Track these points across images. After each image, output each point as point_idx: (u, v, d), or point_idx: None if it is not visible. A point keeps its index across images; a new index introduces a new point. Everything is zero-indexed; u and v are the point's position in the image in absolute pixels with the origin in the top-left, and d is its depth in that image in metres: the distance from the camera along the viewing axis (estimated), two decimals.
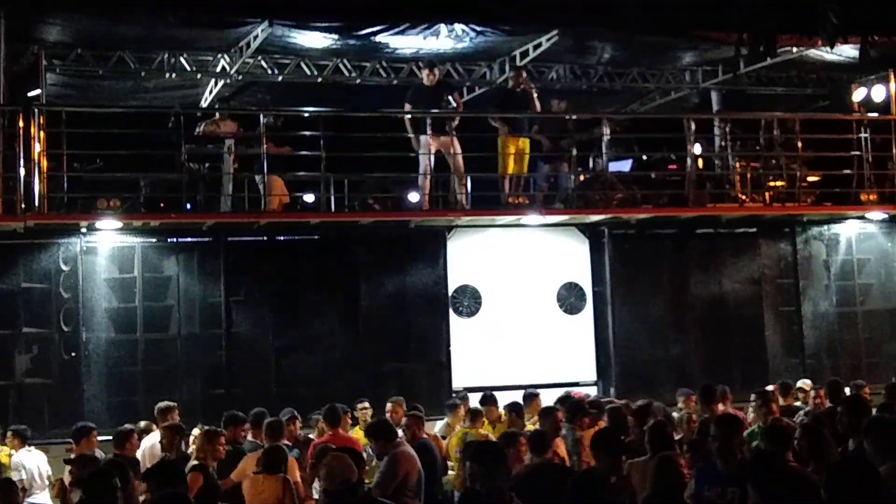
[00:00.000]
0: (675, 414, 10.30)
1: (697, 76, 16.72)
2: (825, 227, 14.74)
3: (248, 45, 13.75)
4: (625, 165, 15.25)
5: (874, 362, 14.52)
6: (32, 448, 10.27)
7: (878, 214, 14.63)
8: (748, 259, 14.43)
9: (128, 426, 9.47)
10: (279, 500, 7.90)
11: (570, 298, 13.77)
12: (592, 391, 13.07)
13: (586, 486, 4.98)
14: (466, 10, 13.67)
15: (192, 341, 12.48)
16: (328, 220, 12.91)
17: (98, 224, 12.04)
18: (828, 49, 13.67)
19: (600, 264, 13.86)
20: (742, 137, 15.21)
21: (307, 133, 13.02)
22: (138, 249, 12.40)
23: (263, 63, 14.85)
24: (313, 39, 13.97)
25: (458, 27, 13.67)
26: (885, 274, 14.87)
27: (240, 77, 15.06)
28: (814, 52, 14.91)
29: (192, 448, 8.90)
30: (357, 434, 9.99)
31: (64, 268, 12.12)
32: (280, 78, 15.09)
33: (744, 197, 14.52)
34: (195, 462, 8.14)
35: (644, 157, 15.31)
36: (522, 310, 13.51)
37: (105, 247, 12.33)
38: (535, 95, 13.98)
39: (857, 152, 14.39)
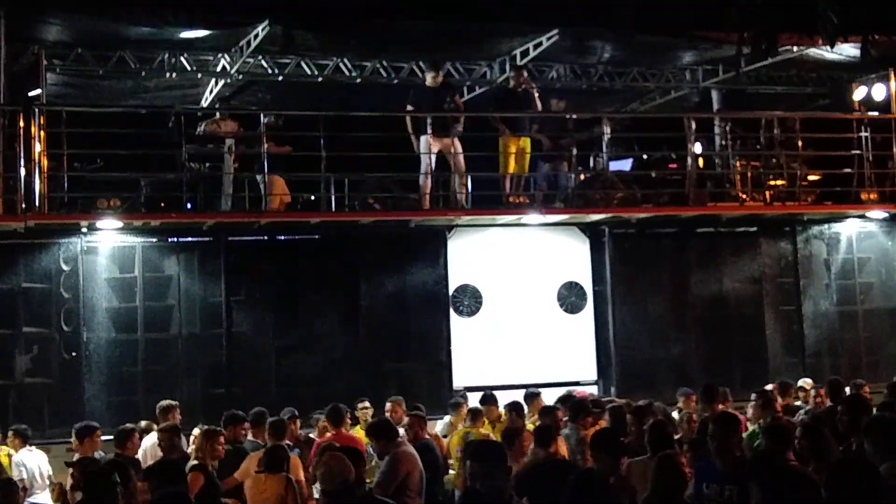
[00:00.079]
0: (675, 414, 10.31)
1: (698, 75, 16.72)
2: (826, 226, 14.74)
3: (249, 44, 13.75)
4: (625, 165, 15.25)
5: (874, 361, 14.52)
6: (33, 448, 10.28)
7: (878, 213, 14.64)
8: (749, 258, 14.44)
9: (129, 426, 9.46)
10: (282, 499, 7.91)
11: (570, 298, 13.78)
12: (593, 390, 13.08)
13: (585, 486, 4.97)
14: (467, 9, 13.66)
15: (193, 341, 12.49)
16: (328, 219, 12.91)
17: (98, 224, 12.04)
18: (828, 48, 13.66)
19: (601, 263, 13.87)
20: (742, 136, 15.22)
21: (307, 133, 13.02)
22: (139, 249, 12.40)
23: (264, 63, 14.85)
24: (313, 39, 13.97)
25: None
26: (885, 273, 14.87)
27: (240, 77, 15.05)
28: (814, 52, 14.90)
29: (191, 448, 8.91)
30: (358, 433, 10.00)
31: (64, 267, 12.13)
32: (280, 77, 15.09)
33: (744, 196, 14.51)
34: (195, 462, 8.15)
35: (644, 157, 15.31)
36: (523, 309, 13.52)
37: (105, 246, 12.34)
38: (537, 95, 13.97)
39: (858, 151, 14.38)
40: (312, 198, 13.56)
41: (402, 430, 8.90)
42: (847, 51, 14.05)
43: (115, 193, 12.02)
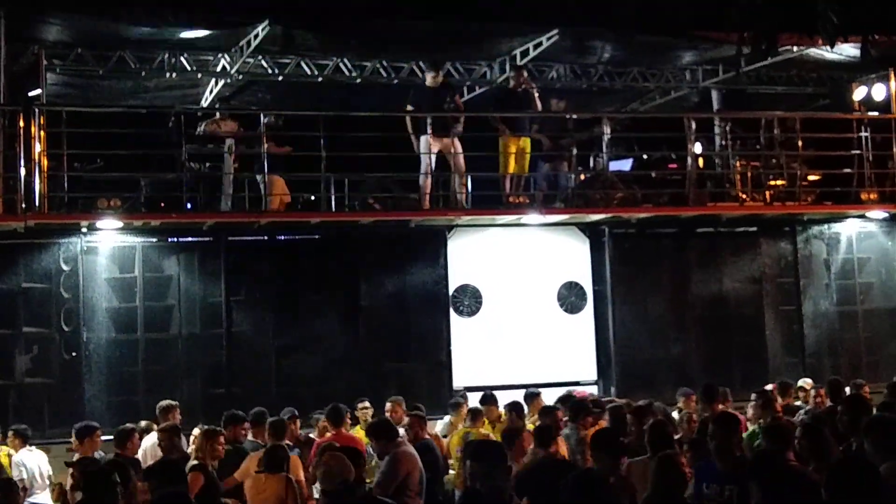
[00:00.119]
0: (674, 414, 10.31)
1: (698, 75, 16.72)
2: (825, 226, 14.74)
3: (249, 44, 13.75)
4: (625, 165, 15.25)
5: (874, 361, 14.52)
6: (33, 448, 10.28)
7: (878, 213, 14.64)
8: (748, 258, 14.44)
9: (128, 425, 9.46)
10: (281, 499, 7.90)
11: (570, 298, 13.78)
12: (593, 390, 13.08)
13: (584, 486, 4.97)
14: (467, 9, 13.66)
15: (193, 341, 12.49)
16: (328, 219, 12.91)
17: (98, 224, 12.04)
18: (828, 48, 13.66)
19: (601, 263, 13.87)
20: (742, 136, 15.22)
21: (307, 133, 13.02)
22: (139, 249, 12.40)
23: (263, 62, 14.85)
24: (313, 39, 13.97)
25: None
26: (885, 273, 14.87)
27: (240, 77, 15.05)
28: (814, 52, 14.91)
29: (191, 448, 8.91)
30: (358, 433, 10.00)
31: (64, 267, 12.13)
32: (280, 77, 15.09)
33: (744, 196, 14.51)
34: (195, 462, 8.15)
35: (644, 157, 15.31)
36: (523, 309, 13.51)
37: (105, 246, 12.34)
38: (537, 95, 13.97)
39: (858, 151, 14.38)
40: (312, 198, 13.57)
41: (402, 431, 8.90)
42: (847, 51, 14.05)
43: (115, 193, 12.02)
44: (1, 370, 11.91)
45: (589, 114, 14.95)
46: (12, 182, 11.60)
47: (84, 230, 12.13)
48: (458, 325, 13.33)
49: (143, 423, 10.29)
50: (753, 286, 14.40)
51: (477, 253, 13.53)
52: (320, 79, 15.19)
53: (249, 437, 9.49)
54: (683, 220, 14.12)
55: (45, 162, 11.61)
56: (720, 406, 10.04)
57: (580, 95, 16.27)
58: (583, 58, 15.70)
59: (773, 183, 14.74)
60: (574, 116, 14.26)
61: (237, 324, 12.68)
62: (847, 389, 10.93)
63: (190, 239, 12.69)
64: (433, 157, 13.05)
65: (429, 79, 13.50)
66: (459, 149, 13.19)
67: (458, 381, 12.96)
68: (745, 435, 8.92)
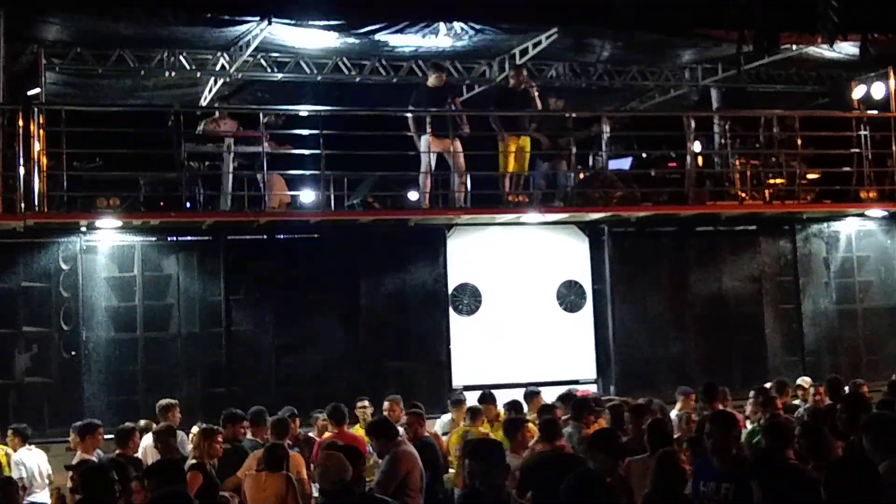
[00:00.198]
0: (673, 412, 10.31)
1: (697, 74, 16.72)
2: (825, 224, 14.74)
3: (248, 43, 13.74)
4: (624, 163, 15.24)
5: (874, 360, 14.53)
6: (33, 447, 10.29)
7: (877, 212, 14.64)
8: (748, 257, 14.44)
9: (129, 424, 9.46)
10: (282, 498, 7.89)
11: (569, 296, 13.78)
12: (592, 389, 13.08)
13: (583, 485, 4.97)
14: (467, 8, 13.65)
15: (192, 340, 12.48)
16: (328, 218, 12.91)
17: (98, 223, 12.04)
18: (827, 46, 13.67)
19: (600, 262, 13.87)
20: (742, 135, 15.21)
21: (307, 132, 13.02)
22: (138, 248, 12.40)
23: (263, 62, 14.84)
24: (313, 38, 13.95)
25: (458, 25, 13.66)
26: (884, 271, 14.88)
27: (239, 75, 15.03)
28: (813, 50, 14.91)
29: (189, 446, 8.90)
30: (357, 432, 10.00)
31: (64, 267, 12.12)
32: (279, 76, 15.09)
33: (743, 195, 14.51)
34: (193, 461, 8.14)
35: (644, 155, 15.31)
36: (522, 308, 13.51)
37: (105, 246, 12.33)
38: (536, 94, 13.96)
39: (857, 150, 14.38)
40: (312, 197, 13.56)
41: (401, 430, 8.90)
42: (846, 49, 14.07)
43: (115, 192, 12.02)
44: (1, 369, 11.90)
45: (588, 112, 14.97)
46: (11, 181, 11.59)
47: (83, 229, 12.13)
48: (458, 324, 13.32)
49: (142, 423, 10.30)
50: (753, 285, 14.40)
51: (476, 252, 13.53)
52: (319, 77, 15.18)
53: (249, 435, 9.49)
54: (683, 218, 14.12)
55: (44, 161, 11.60)
56: (720, 405, 10.04)
57: (579, 94, 16.27)
58: (582, 56, 15.69)
59: (772, 181, 14.74)
60: (573, 115, 14.25)
61: (236, 323, 12.68)
62: (846, 389, 10.93)
63: (189, 238, 12.68)
64: (433, 157, 13.05)
65: (432, 79, 13.49)
66: (459, 148, 13.19)
67: (458, 380, 12.96)
68: (744, 433, 8.93)
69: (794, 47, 14.58)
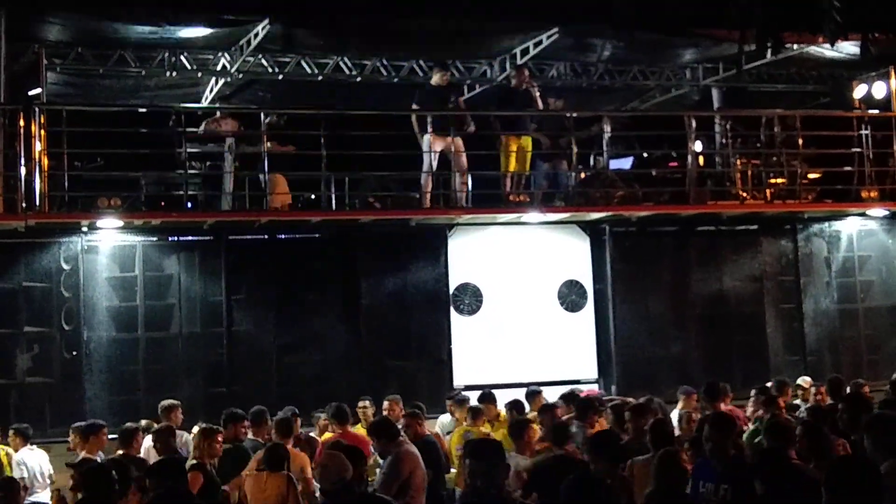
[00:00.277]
0: (674, 412, 10.30)
1: (698, 73, 16.71)
2: (826, 224, 14.73)
3: (249, 43, 13.75)
4: (625, 163, 15.25)
5: (875, 359, 14.52)
6: (34, 447, 10.30)
7: (879, 211, 14.63)
8: (749, 256, 14.43)
9: (132, 424, 9.46)
10: (283, 497, 7.89)
11: (571, 296, 13.77)
12: (596, 389, 13.07)
13: (582, 487, 4.96)
14: (466, 6, 13.65)
15: (194, 340, 12.48)
16: (329, 218, 12.90)
17: (99, 223, 12.04)
18: (828, 46, 13.66)
19: (601, 262, 13.86)
20: (743, 135, 15.21)
21: (308, 132, 13.02)
22: (139, 248, 12.40)
23: (264, 61, 14.84)
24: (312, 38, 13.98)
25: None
26: (886, 271, 14.87)
27: (240, 75, 15.04)
28: (814, 49, 14.90)
29: (190, 446, 8.91)
30: (359, 432, 10.00)
31: (65, 266, 12.13)
32: (280, 76, 15.09)
33: (745, 194, 14.50)
34: (194, 461, 8.14)
35: (645, 155, 15.32)
36: (523, 307, 13.51)
37: (106, 245, 12.33)
38: (538, 94, 13.95)
39: (858, 149, 14.37)
40: (313, 197, 13.56)
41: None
42: (847, 49, 14.05)
43: (116, 192, 12.02)
44: (2, 369, 11.91)
45: (589, 112, 14.95)
46: (12, 181, 11.60)
47: (84, 229, 12.13)
48: (459, 323, 13.32)
49: (143, 422, 10.28)
50: (754, 284, 14.39)
51: (477, 251, 13.52)
52: (320, 77, 15.18)
53: (250, 435, 9.49)
54: (684, 218, 14.11)
55: (45, 161, 11.60)
56: (722, 405, 10.04)
57: (580, 94, 16.26)
58: (583, 56, 15.69)
59: (773, 181, 14.73)
60: (574, 115, 14.25)
61: (238, 323, 12.68)
62: (847, 389, 10.92)
63: (190, 238, 12.68)
64: (435, 156, 13.05)
65: (436, 78, 13.49)
66: (461, 147, 13.19)
67: (459, 380, 12.95)
68: (745, 433, 8.94)
69: (796, 46, 14.57)
